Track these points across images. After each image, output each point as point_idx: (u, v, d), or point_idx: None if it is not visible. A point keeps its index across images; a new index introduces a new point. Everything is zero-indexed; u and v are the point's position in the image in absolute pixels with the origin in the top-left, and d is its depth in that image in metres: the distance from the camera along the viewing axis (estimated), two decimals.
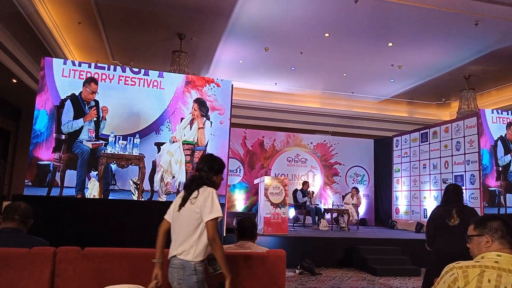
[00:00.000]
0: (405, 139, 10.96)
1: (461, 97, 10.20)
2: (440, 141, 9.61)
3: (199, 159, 2.51)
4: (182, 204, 2.33)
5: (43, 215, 5.25)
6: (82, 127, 6.62)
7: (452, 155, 9.14)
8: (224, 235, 6.49)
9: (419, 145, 10.32)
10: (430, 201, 9.61)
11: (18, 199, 5.91)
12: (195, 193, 2.30)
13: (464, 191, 8.40)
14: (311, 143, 11.81)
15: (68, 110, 6.58)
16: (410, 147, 10.70)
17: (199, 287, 2.20)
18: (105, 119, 6.75)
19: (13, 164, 10.53)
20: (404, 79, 10.57)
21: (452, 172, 9.03)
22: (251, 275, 2.64)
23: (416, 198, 10.17)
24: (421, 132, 10.40)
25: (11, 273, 2.36)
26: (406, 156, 10.80)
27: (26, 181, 6.39)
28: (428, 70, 9.87)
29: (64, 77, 6.69)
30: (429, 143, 9.97)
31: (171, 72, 8.08)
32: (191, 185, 2.36)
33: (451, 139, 9.23)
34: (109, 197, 6.53)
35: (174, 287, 2.25)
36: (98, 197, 6.47)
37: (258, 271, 2.67)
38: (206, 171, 2.39)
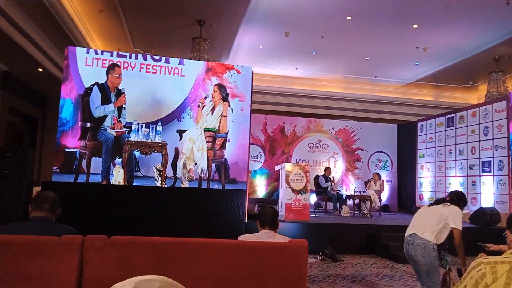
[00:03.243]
0: (430, 123, 10.68)
1: (490, 80, 9.81)
2: (467, 126, 9.32)
3: (449, 196, 3.53)
4: (434, 204, 3.49)
5: (71, 201, 5.43)
6: (108, 114, 6.75)
7: (479, 140, 8.85)
8: (246, 221, 6.54)
9: (445, 130, 10.04)
10: (456, 188, 9.38)
11: (47, 185, 6.13)
12: (448, 203, 3.37)
13: (492, 177, 8.23)
14: (333, 128, 11.68)
15: (96, 96, 6.71)
16: (435, 132, 10.43)
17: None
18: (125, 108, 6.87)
19: (41, 151, 10.88)
20: (430, 61, 10.24)
21: (479, 158, 8.77)
22: (273, 265, 2.65)
23: (441, 184, 9.95)
24: (447, 116, 10.10)
25: (42, 260, 2.44)
26: (431, 142, 10.54)
27: (54, 168, 6.59)
28: (455, 52, 9.52)
29: (88, 66, 6.80)
30: (456, 128, 9.69)
31: (191, 59, 8.08)
32: (446, 200, 3.46)
33: (479, 123, 8.93)
34: (133, 184, 6.67)
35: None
36: (123, 183, 6.62)
37: (280, 261, 2.67)
38: (456, 201, 3.40)
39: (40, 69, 8.62)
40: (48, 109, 11.05)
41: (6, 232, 2.47)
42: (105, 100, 6.75)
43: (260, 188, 10.90)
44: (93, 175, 6.57)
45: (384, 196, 11.09)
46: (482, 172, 8.65)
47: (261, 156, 11.08)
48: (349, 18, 7.93)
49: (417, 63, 10.40)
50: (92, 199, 6.07)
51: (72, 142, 6.59)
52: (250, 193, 10.06)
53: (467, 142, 9.24)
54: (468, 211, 8.67)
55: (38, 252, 2.42)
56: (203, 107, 7.09)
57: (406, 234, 3.43)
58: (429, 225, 3.30)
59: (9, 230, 2.48)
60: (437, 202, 3.50)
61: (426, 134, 10.79)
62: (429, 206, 3.52)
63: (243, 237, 2.92)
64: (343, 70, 11.33)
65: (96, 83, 6.76)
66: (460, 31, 8.31)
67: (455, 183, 9.44)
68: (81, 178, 6.53)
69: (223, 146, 7.09)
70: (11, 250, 2.37)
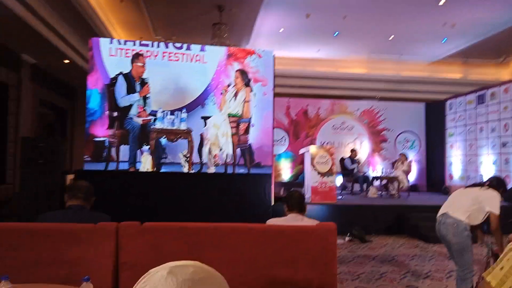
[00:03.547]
0: (460, 101, 10.33)
1: None
2: (500, 102, 8.96)
3: (489, 180, 3.41)
4: (471, 186, 3.44)
5: (103, 188, 5.59)
6: (133, 104, 6.88)
7: None
8: (272, 204, 6.59)
9: (476, 108, 9.70)
10: (488, 166, 9.12)
11: (81, 174, 6.35)
12: (486, 186, 3.28)
13: None
14: (358, 109, 11.48)
15: (121, 86, 6.84)
16: (465, 110, 10.09)
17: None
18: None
19: (72, 141, 11.23)
20: (458, 38, 9.83)
21: None
22: (302, 249, 2.67)
23: (472, 163, 9.68)
24: (478, 94, 9.74)
25: (80, 246, 2.54)
26: (462, 120, 10.21)
27: (85, 156, 6.80)
28: (485, 27, 9.09)
29: (112, 56, 6.90)
30: (487, 105, 9.34)
31: (212, 45, 8.07)
32: (484, 184, 3.35)
33: None
34: (161, 170, 6.82)
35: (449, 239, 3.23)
36: (151, 170, 6.77)
37: (309, 245, 2.69)
38: (495, 185, 3.30)
39: (67, 61, 8.83)
40: (76, 99, 11.35)
41: (46, 220, 2.58)
42: (130, 90, 6.87)
43: (285, 171, 10.92)
44: (122, 162, 6.74)
45: (412, 176, 10.90)
46: None
47: (285, 139, 11.06)
48: None
49: (444, 40, 10.01)
50: (123, 185, 6.24)
51: (101, 131, 6.77)
52: (275, 176, 10.09)
53: (499, 119, 8.90)
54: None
55: (76, 239, 2.53)
56: (226, 94, 7.10)
57: (439, 214, 3.38)
58: (462, 206, 3.23)
59: (48, 219, 2.59)
60: (475, 185, 3.46)
61: (456, 112, 10.46)
62: (465, 188, 3.46)
63: (272, 221, 2.95)
64: (366, 50, 11.05)
65: (121, 73, 6.87)
66: (488, 4, 7.91)
67: (487, 161, 9.16)
68: (112, 166, 6.72)
69: (247, 131, 7.11)
70: (51, 238, 2.48)
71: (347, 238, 6.17)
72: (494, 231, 3.16)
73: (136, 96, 6.88)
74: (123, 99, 6.82)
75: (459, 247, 3.16)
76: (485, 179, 8.94)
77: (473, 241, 3.23)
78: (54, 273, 2.52)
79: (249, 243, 2.64)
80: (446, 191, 10.20)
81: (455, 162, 10.33)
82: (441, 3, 7.82)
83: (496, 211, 3.13)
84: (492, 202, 3.16)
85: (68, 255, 2.52)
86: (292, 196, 3.00)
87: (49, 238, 2.50)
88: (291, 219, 2.92)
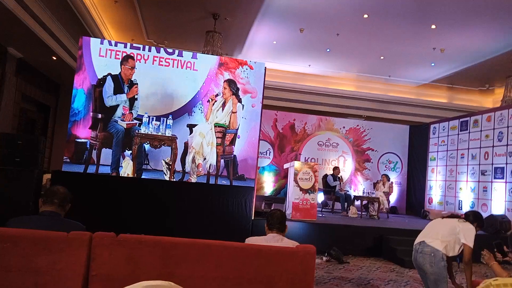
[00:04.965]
0: (443, 126, 10.52)
1: (507, 84, 9.61)
2: (481, 130, 9.16)
3: (465, 214, 3.47)
4: (449, 217, 3.45)
5: (80, 191, 5.45)
6: (120, 104, 6.78)
7: (493, 146, 8.70)
8: (253, 218, 6.53)
9: (458, 134, 9.89)
10: (467, 193, 9.27)
11: (58, 174, 6.19)
12: (464, 219, 3.33)
13: (504, 184, 8.09)
14: (344, 127, 11.58)
15: (109, 86, 6.73)
16: (448, 135, 10.28)
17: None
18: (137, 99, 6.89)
19: (52, 139, 10.98)
20: (446, 63, 10.06)
21: (492, 164, 8.62)
22: (280, 270, 2.64)
23: (451, 188, 9.83)
24: (461, 120, 9.94)
25: (51, 255, 2.45)
26: (443, 145, 10.40)
27: (64, 157, 6.64)
28: (473, 54, 9.33)
29: (101, 56, 6.80)
30: (469, 132, 9.53)
31: (204, 52, 8.05)
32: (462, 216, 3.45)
33: (493, 128, 8.77)
34: (142, 176, 6.70)
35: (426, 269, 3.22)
36: (132, 175, 6.65)
37: (287, 266, 2.66)
38: (472, 220, 3.34)
39: (54, 58, 8.67)
40: (60, 97, 11.13)
41: (16, 225, 2.48)
42: (118, 90, 6.77)
43: (268, 184, 10.88)
44: (102, 166, 6.61)
45: (393, 198, 11.01)
46: (494, 178, 8.51)
47: (270, 152, 11.06)
48: (365, 16, 7.82)
49: (433, 64, 10.23)
50: (101, 190, 6.11)
51: (83, 132, 6.63)
52: (258, 189, 10.05)
53: (480, 147, 9.09)
54: None
55: (47, 247, 2.44)
56: (213, 103, 7.06)
57: (416, 242, 3.38)
58: (440, 235, 3.24)
59: (19, 224, 2.50)
60: (453, 216, 3.48)
61: (438, 137, 10.65)
62: (443, 218, 3.46)
63: (251, 240, 2.90)
64: (357, 69, 11.21)
65: (110, 74, 6.77)
66: (478, 33, 8.14)
67: (466, 188, 9.31)
68: (91, 169, 6.58)
69: (232, 142, 7.07)
70: (21, 244, 2.39)
71: (324, 258, 6.14)
72: (465, 263, 3.18)
73: (123, 97, 6.78)
74: (110, 99, 6.72)
75: (435, 277, 3.16)
76: (463, 206, 9.05)
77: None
78: (21, 281, 2.42)
79: (226, 261, 2.60)
80: (425, 215, 10.33)
81: (435, 187, 10.48)
82: (432, 26, 7.99)
83: (470, 243, 3.17)
84: (467, 234, 3.19)
85: (37, 264, 2.43)
86: (273, 215, 2.96)
87: (18, 245, 2.40)
88: (271, 239, 2.88)
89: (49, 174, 7.24)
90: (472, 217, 3.38)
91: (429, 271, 3.18)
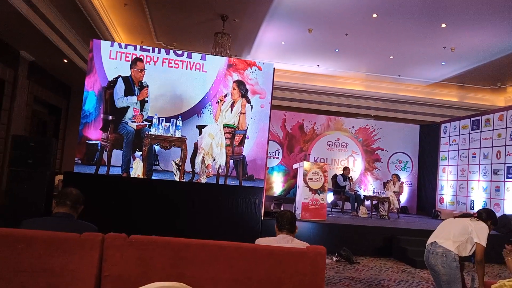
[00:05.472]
0: (455, 125, 10.40)
1: None
2: (493, 130, 9.04)
3: (478, 213, 3.42)
4: (461, 216, 3.39)
5: (91, 192, 5.52)
6: (130, 106, 6.84)
7: (505, 145, 8.58)
8: (262, 218, 6.54)
9: (469, 133, 9.77)
10: (478, 192, 9.16)
11: (69, 176, 6.26)
12: (476, 218, 3.28)
13: None
14: (353, 127, 11.52)
15: (120, 87, 6.79)
16: (459, 135, 10.16)
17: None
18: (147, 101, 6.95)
19: (63, 140, 11.12)
20: (457, 62, 9.95)
21: (505, 163, 8.50)
22: (291, 271, 2.64)
23: (463, 188, 9.72)
24: (472, 119, 9.82)
25: (64, 256, 2.48)
26: (455, 144, 10.28)
27: (76, 159, 6.72)
28: (484, 53, 9.21)
29: (111, 59, 6.87)
30: (481, 131, 9.41)
31: (213, 54, 8.08)
32: (474, 216, 3.36)
33: (506, 127, 8.65)
34: (152, 177, 6.75)
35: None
36: (142, 176, 6.70)
37: (297, 267, 2.66)
38: (485, 218, 3.31)
39: (65, 60, 8.78)
40: (71, 99, 11.27)
41: (30, 227, 2.52)
42: (129, 92, 6.83)
43: (277, 185, 10.88)
44: (113, 167, 6.67)
45: (403, 197, 10.92)
46: (507, 178, 8.39)
47: (279, 152, 11.05)
48: (375, 16, 7.77)
49: (443, 63, 10.13)
50: (112, 191, 6.17)
51: (94, 134, 6.70)
52: (267, 189, 10.06)
53: (492, 146, 8.97)
54: None
55: (60, 248, 2.47)
56: (222, 104, 7.08)
57: (428, 242, 3.35)
58: (451, 235, 3.22)
59: (33, 225, 2.53)
60: (465, 215, 3.44)
61: (449, 136, 10.53)
62: (455, 217, 3.43)
63: (261, 241, 2.91)
64: (366, 68, 11.14)
65: (120, 76, 6.84)
66: (489, 31, 8.04)
67: (478, 188, 9.20)
68: (102, 170, 6.64)
69: (241, 142, 7.09)
70: (34, 245, 2.43)
71: (334, 258, 6.12)
72: (477, 263, 3.15)
73: (133, 99, 6.84)
74: (120, 100, 6.78)
75: (448, 278, 3.13)
76: (475, 205, 8.93)
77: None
78: (34, 282, 2.45)
79: (236, 262, 2.60)
80: (436, 215, 10.22)
81: (446, 186, 10.37)
82: (442, 25, 7.91)
83: (483, 242, 3.13)
84: (480, 232, 3.16)
85: (50, 264, 2.46)
86: (283, 216, 2.96)
87: (31, 246, 2.44)
88: (281, 240, 2.89)
89: (61, 175, 7.34)
90: (486, 214, 3.34)
91: (441, 271, 3.15)
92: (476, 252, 3.16)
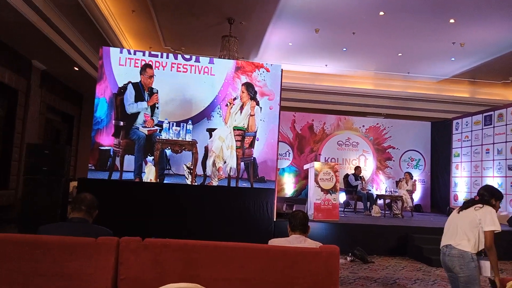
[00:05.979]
0: (467, 121, 10.27)
1: None
2: (506, 124, 8.89)
3: (478, 195, 3.17)
4: (464, 208, 3.16)
5: (105, 197, 5.59)
6: (140, 111, 6.93)
7: None
8: (275, 219, 6.54)
9: (482, 128, 9.64)
10: None
11: (83, 182, 6.36)
12: (480, 205, 3.06)
13: None
14: (363, 126, 11.45)
15: (130, 94, 6.88)
16: (471, 130, 10.03)
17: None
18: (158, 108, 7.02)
19: (77, 147, 11.28)
20: (467, 57, 9.83)
21: None
22: (304, 271, 2.64)
23: (477, 184, 9.57)
24: (484, 114, 9.69)
25: (80, 260, 2.53)
26: (467, 140, 10.14)
27: (89, 165, 6.81)
28: (494, 47, 9.09)
29: (121, 65, 6.96)
30: (494, 127, 9.27)
31: (221, 57, 8.12)
32: (476, 202, 3.12)
33: None
34: (164, 181, 6.80)
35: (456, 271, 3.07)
36: (154, 181, 6.77)
37: (311, 267, 2.65)
38: (488, 198, 3.10)
39: (76, 68, 8.92)
40: (83, 106, 11.43)
41: (47, 232, 2.57)
42: (139, 98, 6.91)
43: (289, 186, 10.86)
44: (126, 172, 6.74)
45: (417, 196, 10.80)
46: None
47: (289, 154, 11.04)
48: (381, 13, 7.73)
49: (453, 59, 10.02)
50: (125, 195, 6.24)
51: (107, 140, 6.79)
52: (278, 191, 10.04)
53: (506, 141, 8.83)
54: (507, 214, 8.32)
55: (76, 253, 2.51)
56: (231, 106, 7.12)
57: (442, 244, 3.24)
58: (463, 234, 3.07)
59: (49, 231, 2.58)
60: (467, 205, 3.17)
61: (461, 133, 10.40)
62: (458, 212, 3.20)
63: (274, 241, 2.92)
64: (374, 67, 11.08)
65: (130, 82, 6.92)
66: (499, 25, 7.92)
67: (493, 184, 9.04)
68: (115, 175, 6.72)
69: (252, 144, 7.11)
70: (52, 250, 2.47)
71: (348, 258, 6.09)
72: (488, 249, 2.98)
73: (144, 104, 6.92)
74: (131, 106, 6.86)
75: (467, 280, 3.04)
76: None
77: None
78: (52, 286, 2.50)
79: (250, 263, 2.61)
80: (450, 213, 10.07)
81: (460, 183, 10.23)
82: (451, 21, 7.84)
83: (491, 227, 2.96)
84: (486, 219, 2.98)
85: (67, 269, 2.50)
86: (296, 217, 2.97)
87: (48, 251, 2.49)
88: (294, 240, 2.89)
89: (75, 181, 7.44)
90: (488, 193, 3.11)
91: (460, 274, 3.05)
92: (485, 238, 2.99)
